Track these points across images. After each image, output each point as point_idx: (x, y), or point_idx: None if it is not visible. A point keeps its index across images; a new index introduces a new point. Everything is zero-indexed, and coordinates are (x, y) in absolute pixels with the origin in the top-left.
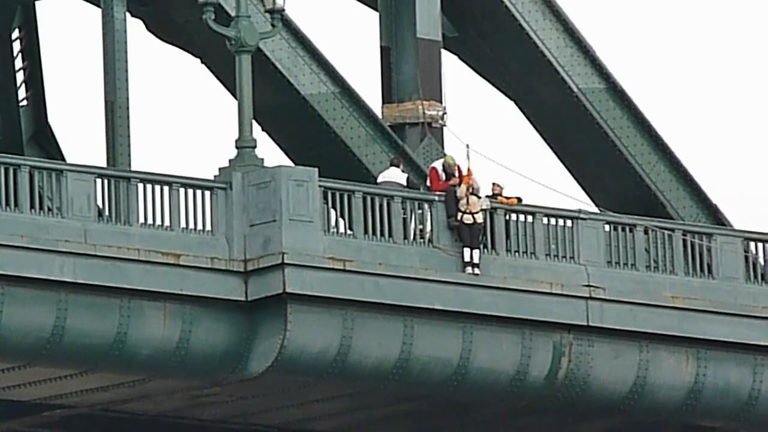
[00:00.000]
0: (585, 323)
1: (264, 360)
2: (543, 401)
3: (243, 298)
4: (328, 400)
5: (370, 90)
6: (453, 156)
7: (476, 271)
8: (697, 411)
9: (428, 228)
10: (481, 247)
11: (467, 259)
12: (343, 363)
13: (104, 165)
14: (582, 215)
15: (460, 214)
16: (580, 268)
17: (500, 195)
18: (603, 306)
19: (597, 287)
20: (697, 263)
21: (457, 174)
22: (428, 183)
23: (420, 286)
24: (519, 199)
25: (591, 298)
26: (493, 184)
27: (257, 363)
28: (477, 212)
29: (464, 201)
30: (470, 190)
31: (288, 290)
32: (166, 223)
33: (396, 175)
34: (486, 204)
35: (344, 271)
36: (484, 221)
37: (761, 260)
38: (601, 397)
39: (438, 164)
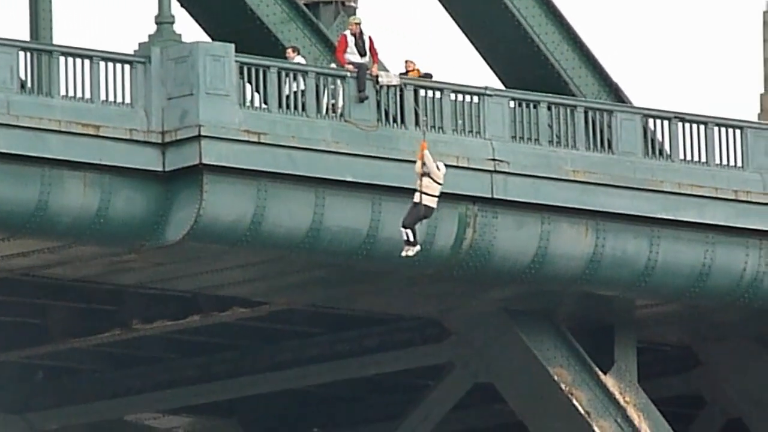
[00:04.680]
0: (489, 195)
1: (180, 228)
2: (448, 270)
3: (160, 169)
4: (242, 267)
5: None
6: (358, 17)
7: (413, 251)
8: (595, 280)
9: (340, 102)
10: (392, 120)
11: (404, 238)
12: (257, 232)
13: (27, 39)
14: (488, 92)
15: (417, 195)
16: (485, 142)
17: (413, 71)
18: (507, 179)
19: (501, 161)
20: (597, 139)
21: (368, 46)
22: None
23: (331, 158)
24: (429, 76)
25: (495, 171)
26: (406, 61)
27: (174, 231)
28: (433, 195)
29: (419, 182)
30: (425, 168)
31: (204, 161)
32: (87, 95)
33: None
34: (396, 80)
35: (259, 143)
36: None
37: (659, 136)
38: (503, 267)
39: (348, 32)
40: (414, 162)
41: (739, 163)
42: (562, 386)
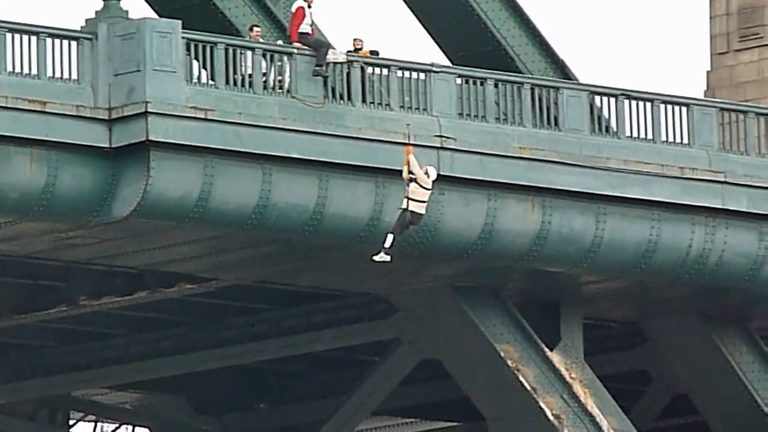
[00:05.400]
0: (436, 172)
1: (127, 204)
2: (395, 246)
3: (107, 145)
4: (189, 243)
5: None
6: None
7: (381, 258)
8: (542, 257)
9: (287, 79)
10: (338, 97)
11: (385, 243)
12: (204, 208)
13: None
14: (434, 68)
15: (405, 201)
16: (432, 119)
17: (361, 50)
18: (453, 156)
19: (448, 138)
20: (544, 116)
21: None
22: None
23: (278, 135)
24: (376, 53)
25: (442, 148)
26: (354, 39)
27: (121, 207)
28: (420, 201)
29: (408, 189)
30: (412, 176)
31: (151, 138)
32: (33, 71)
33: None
34: (342, 57)
35: (206, 120)
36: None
37: (605, 113)
38: (450, 243)
39: (305, 3)
40: (360, 139)
41: (686, 141)
42: (509, 362)
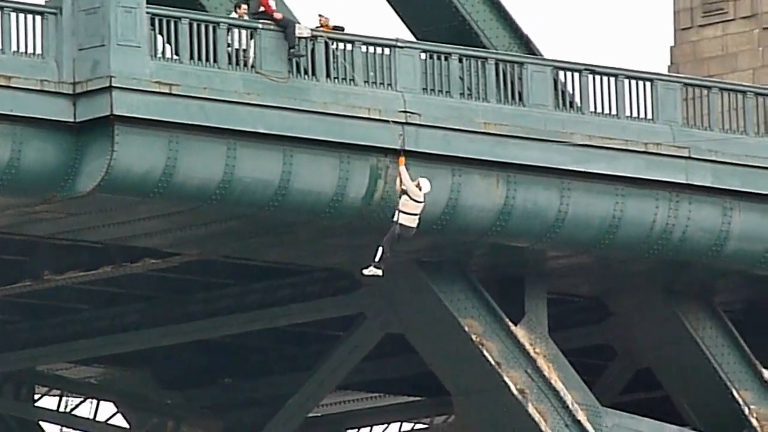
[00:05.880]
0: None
1: (91, 179)
2: (360, 221)
3: (72, 120)
4: (153, 218)
5: None
6: None
7: (372, 271)
8: (506, 232)
9: (252, 54)
10: (303, 72)
11: (375, 255)
12: (168, 183)
13: None
14: (399, 43)
15: (397, 213)
16: (397, 94)
17: (326, 26)
18: (418, 131)
19: (413, 113)
20: (508, 91)
21: None
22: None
23: (243, 109)
24: (341, 29)
25: (407, 123)
26: (319, 15)
27: (85, 182)
28: (411, 214)
29: (399, 201)
30: (404, 189)
31: (115, 112)
32: None
33: None
34: (307, 32)
35: (170, 94)
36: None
37: (569, 88)
38: None
39: None
40: (324, 114)
41: (650, 116)
42: (473, 337)
